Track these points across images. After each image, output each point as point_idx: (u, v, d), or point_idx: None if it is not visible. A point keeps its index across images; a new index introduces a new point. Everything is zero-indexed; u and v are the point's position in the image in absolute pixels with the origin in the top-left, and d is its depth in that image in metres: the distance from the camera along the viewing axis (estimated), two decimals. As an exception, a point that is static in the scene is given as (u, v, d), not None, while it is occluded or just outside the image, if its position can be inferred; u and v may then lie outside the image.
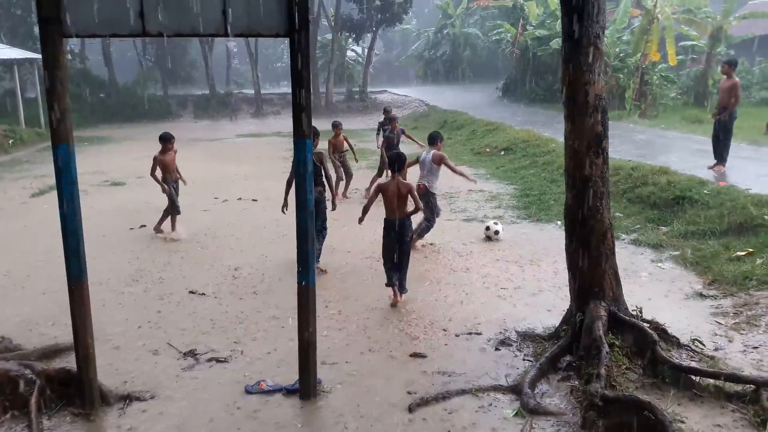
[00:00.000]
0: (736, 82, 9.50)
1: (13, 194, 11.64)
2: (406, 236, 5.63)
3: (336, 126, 11.29)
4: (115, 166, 15.42)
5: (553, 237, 7.84)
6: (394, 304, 5.61)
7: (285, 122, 33.11)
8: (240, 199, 10.97)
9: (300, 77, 3.76)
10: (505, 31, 29.51)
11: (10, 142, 20.72)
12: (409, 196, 5.52)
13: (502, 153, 14.65)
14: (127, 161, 16.87)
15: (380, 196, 5.61)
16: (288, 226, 8.42)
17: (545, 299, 5.81)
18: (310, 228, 4.00)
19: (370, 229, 8.55)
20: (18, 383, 3.91)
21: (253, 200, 10.84)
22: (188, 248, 7.76)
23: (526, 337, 4.92)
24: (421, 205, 5.80)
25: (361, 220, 5.69)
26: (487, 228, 7.94)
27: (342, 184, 10.88)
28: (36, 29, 29.61)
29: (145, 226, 8.91)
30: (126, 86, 36.27)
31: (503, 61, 35.68)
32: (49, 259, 7.19)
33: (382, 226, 5.64)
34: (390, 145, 10.98)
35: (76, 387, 3.96)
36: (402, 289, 5.71)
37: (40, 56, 4.02)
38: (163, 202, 10.38)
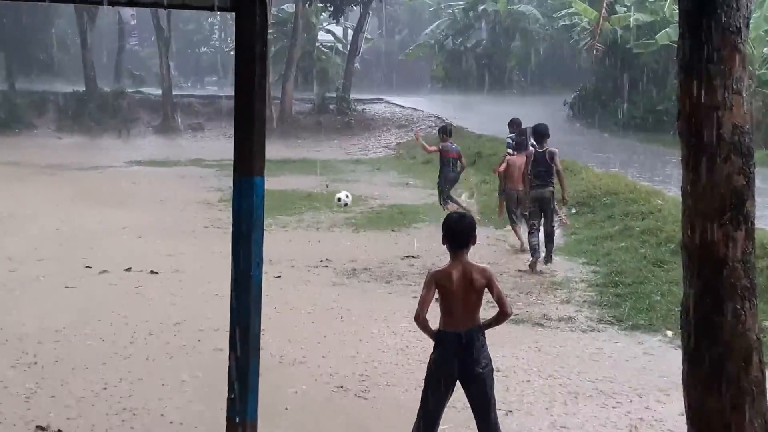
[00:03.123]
0: None
1: None
2: (480, 364, 5.26)
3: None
4: None
5: (659, 357, 7.89)
6: None
7: (211, 144, 33.59)
8: (129, 269, 10.98)
9: (250, 75, 3.89)
10: (580, 15, 30.50)
11: None
12: (488, 290, 5.31)
13: (573, 211, 14.80)
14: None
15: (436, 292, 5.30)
16: (217, 316, 8.51)
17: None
18: (253, 325, 4.03)
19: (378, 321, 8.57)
20: None
21: (152, 273, 10.86)
22: (33, 355, 7.68)
23: None
24: (509, 309, 5.49)
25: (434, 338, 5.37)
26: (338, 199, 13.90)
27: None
28: None
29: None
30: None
31: (576, 61, 36.73)
32: None
33: (434, 345, 5.38)
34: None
35: None
36: None
37: None
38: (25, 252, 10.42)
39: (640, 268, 10.89)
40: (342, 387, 7.09)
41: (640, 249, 11.70)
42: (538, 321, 9.01)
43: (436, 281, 5.32)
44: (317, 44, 42.41)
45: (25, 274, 10.68)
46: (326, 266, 11.57)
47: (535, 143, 11.75)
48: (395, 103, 39.27)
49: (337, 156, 29.29)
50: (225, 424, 4.05)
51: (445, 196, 15.31)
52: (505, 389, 6.90)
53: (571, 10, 31.26)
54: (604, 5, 28.75)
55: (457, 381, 5.36)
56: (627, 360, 7.91)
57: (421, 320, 5.31)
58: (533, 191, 11.52)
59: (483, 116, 30.76)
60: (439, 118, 33.66)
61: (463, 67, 44.29)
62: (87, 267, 11.08)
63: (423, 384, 5.45)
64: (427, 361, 5.45)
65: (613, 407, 6.74)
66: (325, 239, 13.61)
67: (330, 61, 43.81)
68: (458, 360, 5.28)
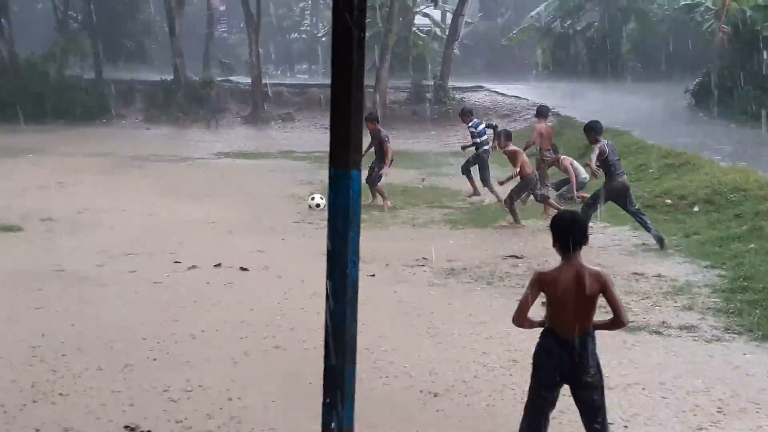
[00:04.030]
0: None
1: None
2: (589, 372, 5.25)
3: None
4: (4, 198, 16.18)
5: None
6: None
7: (302, 134, 34.11)
8: (219, 265, 11.24)
9: (348, 63, 3.91)
10: (704, -6, 29.79)
11: None
12: (603, 295, 5.25)
13: (696, 209, 14.63)
14: (26, 189, 17.63)
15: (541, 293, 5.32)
16: (309, 316, 8.63)
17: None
18: (349, 327, 4.05)
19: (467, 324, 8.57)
20: None
21: (242, 269, 11.09)
22: (123, 351, 7.91)
23: None
24: (626, 318, 5.39)
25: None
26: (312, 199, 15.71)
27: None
28: None
29: (41, 309, 9.17)
30: (31, 62, 38.07)
31: (699, 44, 35.80)
32: None
33: (539, 343, 5.41)
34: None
35: None
36: None
37: None
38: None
39: (772, 271, 10.60)
40: (439, 393, 7.09)
41: (771, 251, 11.40)
42: (656, 329, 8.81)
43: (542, 283, 5.31)
44: (414, 29, 42.45)
45: (114, 268, 11.05)
46: (423, 265, 11.58)
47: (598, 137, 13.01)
48: (497, 91, 38.94)
49: (433, 148, 29.23)
50: (319, 429, 4.09)
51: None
52: (620, 401, 6.82)
53: (694, -10, 30.59)
54: (731, -17, 28.03)
55: (565, 385, 5.38)
56: (757, 374, 7.64)
57: (519, 323, 5.36)
58: (621, 178, 12.80)
59: (593, 105, 30.32)
60: (547, 107, 33.26)
61: (571, 52, 43.71)
62: (176, 262, 11.42)
63: (527, 390, 5.49)
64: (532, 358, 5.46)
65: (739, 428, 6.54)
66: (422, 237, 13.62)
67: (427, 46, 43.81)
68: (565, 365, 5.27)
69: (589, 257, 11.80)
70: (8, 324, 8.59)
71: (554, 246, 5.36)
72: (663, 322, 9.03)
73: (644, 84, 37.58)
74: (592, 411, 5.34)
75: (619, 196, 12.77)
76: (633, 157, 20.25)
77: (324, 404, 4.01)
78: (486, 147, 17.95)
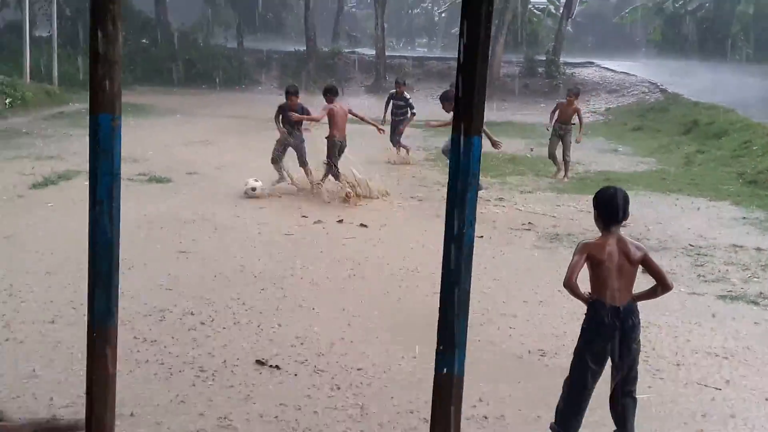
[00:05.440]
0: None
1: (5, 182, 12.96)
2: (636, 339, 5.20)
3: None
4: (156, 153, 16.73)
5: None
6: None
7: (419, 104, 33.70)
8: (341, 221, 11.48)
9: (476, 36, 3.88)
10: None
11: (7, 102, 22.59)
12: (643, 265, 5.22)
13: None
14: (174, 146, 18.28)
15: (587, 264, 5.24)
16: (421, 268, 8.74)
17: None
18: (464, 282, 4.05)
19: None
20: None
21: (362, 225, 11.29)
22: (256, 294, 8.17)
23: None
24: (671, 282, 5.34)
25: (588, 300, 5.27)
26: (246, 184, 13.06)
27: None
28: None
29: (185, 253, 9.52)
30: (182, 31, 39.31)
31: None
32: (50, 288, 7.90)
33: (589, 316, 5.31)
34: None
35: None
36: None
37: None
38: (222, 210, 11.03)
39: None
40: (545, 351, 7.07)
41: None
42: (753, 299, 8.57)
43: (588, 252, 5.22)
44: (529, 7, 41.88)
45: (248, 220, 11.43)
46: (528, 230, 11.53)
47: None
48: (607, 68, 38.17)
49: (542, 120, 28.67)
50: (428, 371, 4.14)
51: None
52: (719, 367, 6.73)
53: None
54: None
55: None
56: None
57: (571, 285, 5.21)
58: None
59: (701, 83, 29.50)
60: (653, 83, 32.49)
61: (682, 31, 42.37)
62: (303, 216, 11.74)
63: (573, 356, 5.33)
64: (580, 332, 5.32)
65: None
66: (528, 202, 13.52)
67: (541, 23, 43.22)
68: (617, 334, 5.15)
69: (690, 229, 11.62)
70: (153, 265, 8.94)
71: (596, 220, 5.33)
72: (760, 293, 8.79)
73: (752, 65, 36.23)
74: (632, 378, 5.28)
75: None
76: (737, 134, 19.79)
77: (437, 351, 4.05)
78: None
